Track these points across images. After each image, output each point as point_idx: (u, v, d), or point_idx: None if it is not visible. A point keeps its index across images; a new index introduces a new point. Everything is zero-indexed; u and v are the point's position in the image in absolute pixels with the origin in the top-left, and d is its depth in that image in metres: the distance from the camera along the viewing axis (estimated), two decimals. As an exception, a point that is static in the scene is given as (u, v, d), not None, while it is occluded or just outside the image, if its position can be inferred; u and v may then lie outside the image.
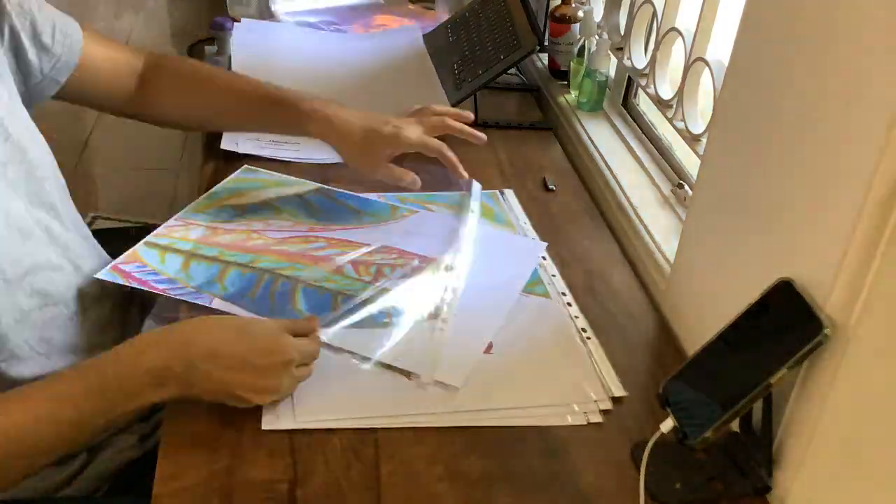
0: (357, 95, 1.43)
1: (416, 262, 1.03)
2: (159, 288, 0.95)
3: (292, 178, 1.20)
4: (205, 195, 1.14)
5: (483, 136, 1.16)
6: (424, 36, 1.59)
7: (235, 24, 1.52)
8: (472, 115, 1.17)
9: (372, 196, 1.17)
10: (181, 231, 1.05)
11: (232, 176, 1.18)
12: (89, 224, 1.07)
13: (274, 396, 0.80)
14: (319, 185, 1.19)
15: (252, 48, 1.49)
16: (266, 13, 1.73)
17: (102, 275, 0.95)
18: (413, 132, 1.10)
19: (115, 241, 1.09)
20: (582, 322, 0.99)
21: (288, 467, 0.77)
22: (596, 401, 0.87)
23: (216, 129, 1.24)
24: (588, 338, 0.96)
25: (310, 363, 0.84)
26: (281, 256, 1.02)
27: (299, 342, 0.82)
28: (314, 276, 0.99)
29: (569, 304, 1.02)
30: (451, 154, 1.10)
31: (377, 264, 1.03)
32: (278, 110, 1.10)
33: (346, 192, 1.17)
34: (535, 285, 1.04)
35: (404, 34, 1.63)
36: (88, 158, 2.48)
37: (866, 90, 0.66)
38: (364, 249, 1.05)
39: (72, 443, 0.78)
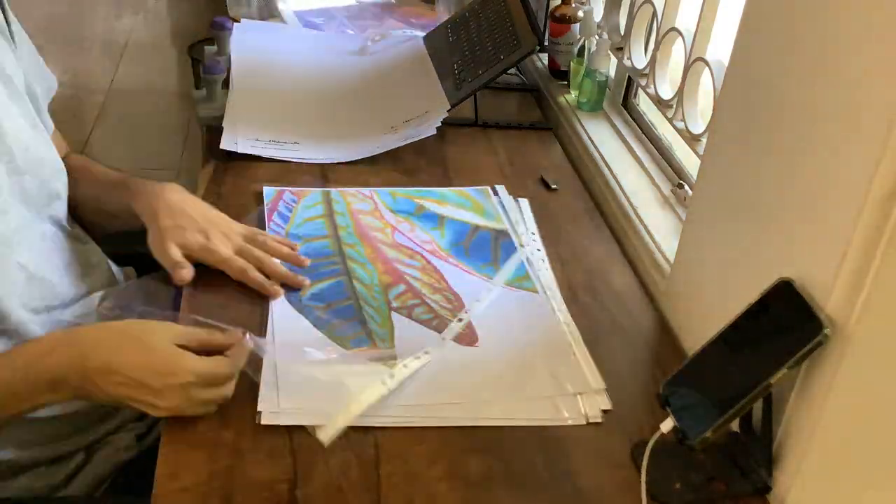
0: (356, 96, 1.44)
1: (451, 319, 0.97)
2: (273, 220, 1.08)
3: (506, 215, 1.17)
4: (414, 189, 1.19)
5: (276, 293, 0.97)
6: (424, 37, 1.59)
7: (235, 24, 1.52)
8: (306, 262, 1.02)
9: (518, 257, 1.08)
10: (357, 198, 1.15)
11: (467, 189, 1.22)
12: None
13: (172, 413, 0.78)
14: (503, 229, 1.13)
15: (251, 48, 1.49)
16: (266, 13, 1.73)
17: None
18: (223, 249, 0.97)
19: (114, 240, 1.09)
20: (566, 318, 0.99)
21: (288, 467, 0.77)
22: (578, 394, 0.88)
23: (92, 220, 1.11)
24: (571, 333, 0.96)
25: (220, 385, 0.79)
26: (370, 252, 1.06)
27: (198, 364, 0.77)
28: (362, 275, 1.01)
29: (553, 300, 1.02)
30: (255, 275, 0.95)
31: (424, 303, 0.99)
32: (117, 190, 1.03)
33: (512, 242, 1.11)
34: (522, 280, 1.05)
35: (404, 36, 1.63)
36: (91, 156, 2.47)
37: (866, 90, 0.66)
38: (438, 296, 1.00)
39: None
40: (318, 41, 1.62)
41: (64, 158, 1.03)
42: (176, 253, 0.94)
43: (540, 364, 0.92)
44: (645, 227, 1.13)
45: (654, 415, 0.84)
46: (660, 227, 1.13)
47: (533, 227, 1.16)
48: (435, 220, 1.14)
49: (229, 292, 0.97)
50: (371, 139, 1.32)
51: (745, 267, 0.84)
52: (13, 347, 0.81)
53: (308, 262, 1.02)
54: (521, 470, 0.80)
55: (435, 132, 1.29)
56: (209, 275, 1.00)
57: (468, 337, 0.94)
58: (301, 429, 0.81)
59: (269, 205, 1.13)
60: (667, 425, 0.77)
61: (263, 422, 0.80)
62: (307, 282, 0.98)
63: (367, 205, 1.15)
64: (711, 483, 0.78)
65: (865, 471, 0.73)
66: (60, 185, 0.98)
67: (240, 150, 1.24)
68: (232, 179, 1.20)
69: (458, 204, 1.19)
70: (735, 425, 0.79)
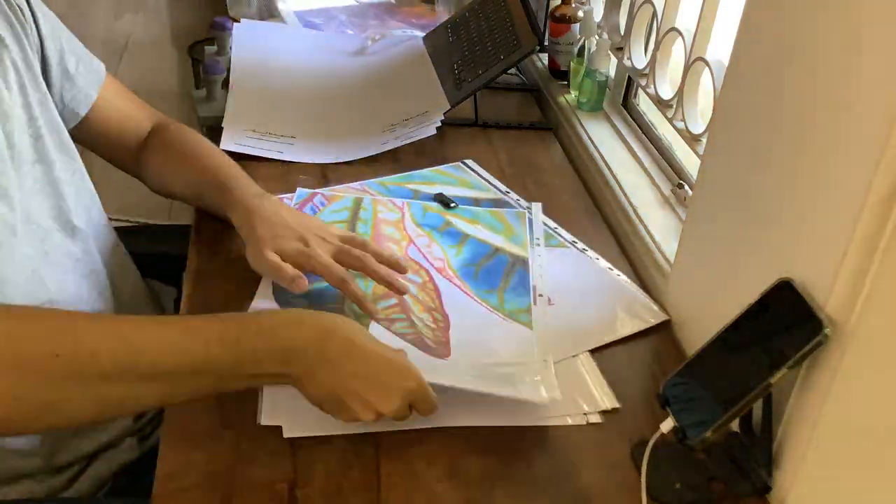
0: (356, 96, 1.44)
1: (433, 343, 0.94)
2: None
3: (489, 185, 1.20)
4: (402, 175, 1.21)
5: (406, 287, 0.98)
6: (424, 37, 1.59)
7: (235, 24, 1.52)
8: (406, 268, 1.01)
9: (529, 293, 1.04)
10: (385, 208, 1.15)
11: (443, 167, 1.25)
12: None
13: (377, 417, 0.77)
14: (524, 258, 1.10)
15: (251, 49, 1.49)
16: (266, 13, 1.73)
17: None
18: (323, 254, 0.94)
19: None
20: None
21: (288, 467, 0.77)
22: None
23: (195, 205, 1.13)
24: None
25: (419, 407, 0.79)
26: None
27: (422, 377, 0.78)
28: (359, 284, 0.97)
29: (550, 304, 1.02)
30: (355, 288, 0.93)
31: (409, 318, 0.97)
32: (215, 191, 1.04)
33: (526, 273, 1.07)
34: (520, 312, 1.00)
35: (404, 37, 1.63)
36: (89, 159, 2.47)
37: (866, 90, 0.66)
38: (426, 315, 0.98)
39: (181, 385, 0.74)
40: (317, 41, 1.62)
41: (156, 128, 1.08)
42: (274, 257, 0.91)
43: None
44: (645, 227, 1.13)
45: (654, 415, 0.84)
46: (660, 227, 1.13)
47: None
48: (457, 237, 1.12)
49: (229, 291, 0.97)
50: (370, 139, 1.32)
51: (745, 267, 0.84)
52: (265, 311, 0.78)
53: (409, 269, 1.00)
54: (521, 470, 0.80)
55: (434, 132, 1.29)
56: (208, 276, 1.00)
57: (441, 351, 0.93)
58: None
59: (297, 205, 1.14)
60: (667, 425, 0.77)
61: (263, 422, 0.81)
62: (409, 290, 0.98)
63: (394, 215, 1.15)
64: (711, 483, 0.78)
65: (865, 471, 0.73)
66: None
67: (239, 150, 1.24)
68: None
69: (489, 226, 1.16)
70: (735, 425, 0.79)
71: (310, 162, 1.26)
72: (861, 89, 0.67)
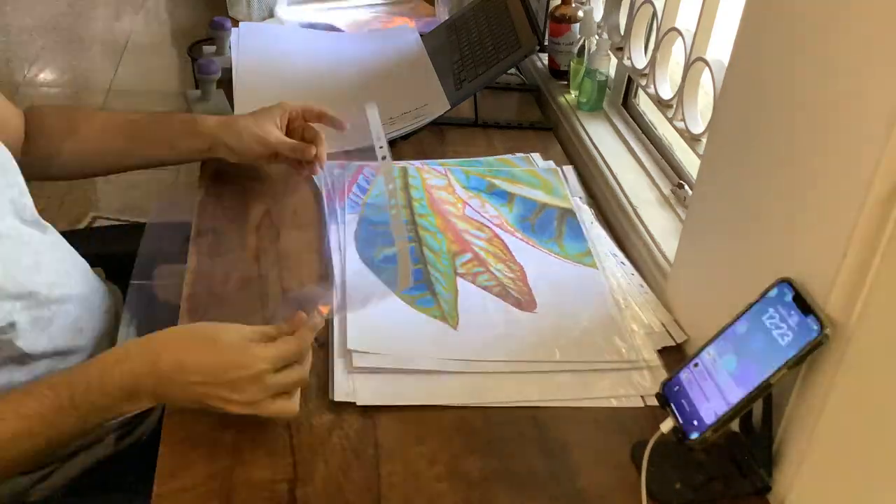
0: (355, 91, 1.44)
1: (517, 294, 1.02)
2: (352, 190, 1.16)
3: (573, 195, 1.23)
4: (485, 166, 1.26)
5: (344, 124, 1.18)
6: (424, 36, 1.59)
7: (234, 28, 1.52)
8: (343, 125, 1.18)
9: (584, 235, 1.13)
10: (432, 174, 1.22)
11: (538, 170, 1.28)
12: (89, 223, 1.07)
13: (249, 409, 0.77)
14: (580, 206, 1.20)
15: (252, 51, 1.49)
16: (265, 13, 1.73)
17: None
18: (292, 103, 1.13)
19: (114, 239, 1.09)
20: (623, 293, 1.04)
21: (288, 467, 0.77)
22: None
23: (111, 167, 1.15)
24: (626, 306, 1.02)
25: (294, 364, 0.79)
26: (441, 223, 1.12)
27: (267, 350, 0.77)
28: (432, 243, 1.08)
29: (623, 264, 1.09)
30: (331, 112, 1.13)
31: (488, 270, 1.05)
32: (171, 122, 1.06)
33: (590, 220, 1.17)
34: (583, 256, 1.09)
35: (401, 34, 1.63)
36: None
37: (866, 89, 0.66)
38: (501, 265, 1.06)
39: (50, 452, 0.78)
40: (317, 42, 1.62)
41: (32, 114, 1.04)
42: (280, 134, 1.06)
43: (597, 335, 0.96)
44: (645, 227, 1.13)
45: (654, 415, 0.84)
46: (660, 227, 1.13)
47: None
48: (505, 197, 1.20)
49: (229, 291, 0.97)
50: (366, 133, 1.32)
51: (745, 267, 0.84)
52: (90, 360, 0.79)
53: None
54: (521, 470, 0.80)
55: (427, 123, 1.30)
56: (209, 276, 1.00)
57: (528, 303, 1.00)
58: (301, 428, 0.81)
59: (350, 178, 1.20)
60: (667, 425, 0.77)
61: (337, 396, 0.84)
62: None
63: (441, 181, 1.21)
64: (711, 483, 0.78)
65: (865, 470, 0.73)
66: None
67: None
68: (233, 179, 1.20)
69: (528, 183, 1.24)
70: (735, 425, 0.79)
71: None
72: (861, 89, 0.67)
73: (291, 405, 0.78)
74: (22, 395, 0.77)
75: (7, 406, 0.76)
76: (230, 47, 1.49)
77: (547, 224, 1.14)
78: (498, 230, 1.12)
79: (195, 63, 1.40)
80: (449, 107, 1.33)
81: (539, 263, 1.07)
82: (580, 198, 1.24)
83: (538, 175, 1.25)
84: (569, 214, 1.17)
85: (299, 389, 0.80)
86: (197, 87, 1.43)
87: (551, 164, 1.31)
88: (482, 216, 1.15)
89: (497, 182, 1.23)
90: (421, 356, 0.90)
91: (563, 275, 1.06)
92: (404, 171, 1.23)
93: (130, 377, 0.76)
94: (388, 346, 0.90)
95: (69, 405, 0.75)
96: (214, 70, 1.38)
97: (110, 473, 0.96)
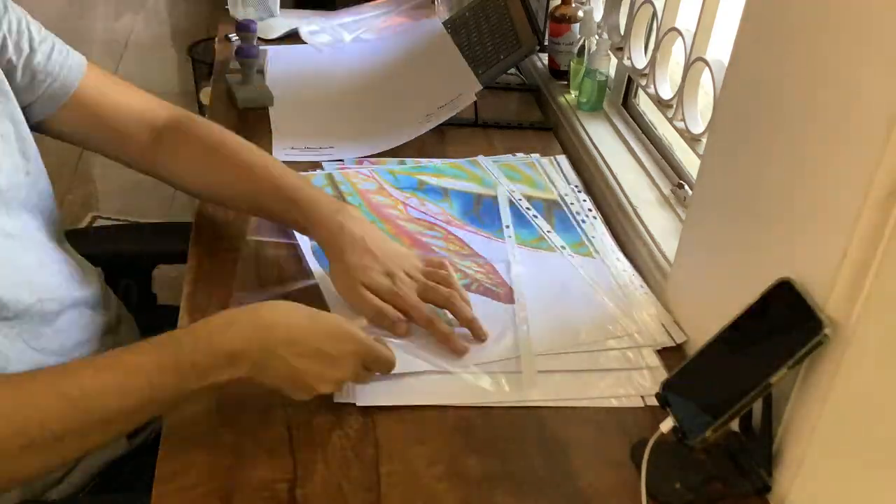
0: (387, 92, 1.45)
1: (494, 287, 1.02)
2: None
3: (505, 181, 1.24)
4: (413, 163, 1.23)
5: (462, 350, 0.93)
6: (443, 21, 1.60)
7: (263, 48, 1.54)
8: (487, 334, 0.95)
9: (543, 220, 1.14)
10: (360, 178, 1.18)
11: (460, 161, 1.29)
12: (89, 223, 1.07)
13: (338, 387, 0.81)
14: (512, 191, 1.21)
15: (284, 75, 1.52)
16: (265, 13, 1.74)
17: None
18: (411, 294, 0.94)
19: (114, 239, 1.09)
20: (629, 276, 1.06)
21: (288, 467, 0.77)
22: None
23: (227, 207, 1.11)
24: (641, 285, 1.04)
25: (374, 369, 0.83)
26: (392, 229, 1.09)
27: (367, 337, 0.82)
28: None
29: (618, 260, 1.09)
30: (442, 326, 0.92)
31: (458, 269, 1.03)
32: (290, 208, 1.00)
33: (526, 206, 1.18)
34: (578, 245, 1.10)
35: (423, 27, 1.63)
36: (88, 158, 2.48)
37: (866, 89, 0.66)
38: (468, 262, 1.05)
39: (136, 417, 0.75)
40: (344, 51, 1.65)
41: (177, 120, 1.03)
42: (371, 297, 0.92)
43: (596, 332, 0.96)
44: (645, 227, 1.13)
45: (654, 415, 0.84)
46: (660, 227, 1.13)
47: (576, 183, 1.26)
48: (439, 192, 1.18)
49: (229, 291, 0.97)
50: (407, 131, 1.34)
51: (745, 267, 0.84)
52: (194, 323, 0.78)
53: (486, 333, 0.94)
54: (521, 470, 0.80)
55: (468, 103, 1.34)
56: (209, 276, 1.00)
57: (506, 295, 1.00)
58: (301, 428, 0.81)
59: None
60: (667, 425, 0.77)
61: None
62: (490, 334, 0.94)
63: (371, 184, 1.19)
64: (711, 483, 0.78)
65: (865, 471, 0.73)
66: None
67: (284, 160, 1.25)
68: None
69: (454, 176, 1.24)
70: (735, 425, 0.79)
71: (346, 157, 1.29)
72: (861, 89, 0.67)
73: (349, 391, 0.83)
74: (123, 351, 0.76)
75: (109, 359, 0.75)
76: (258, 74, 1.49)
77: (491, 213, 1.13)
78: (448, 227, 1.10)
79: (198, 63, 1.41)
80: (481, 87, 1.35)
81: (502, 254, 1.07)
82: (576, 186, 1.25)
83: (461, 167, 1.25)
84: (555, 206, 1.18)
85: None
86: (197, 87, 1.43)
87: (535, 156, 1.32)
88: (427, 214, 1.12)
89: (425, 178, 1.20)
90: (421, 357, 0.90)
91: (549, 267, 1.06)
92: (331, 177, 1.18)
93: (240, 342, 0.75)
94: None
95: (172, 364, 0.74)
96: (254, 54, 1.39)
97: (125, 473, 0.96)
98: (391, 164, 1.26)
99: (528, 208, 1.18)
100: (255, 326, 0.77)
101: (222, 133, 1.05)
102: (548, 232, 1.13)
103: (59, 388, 0.72)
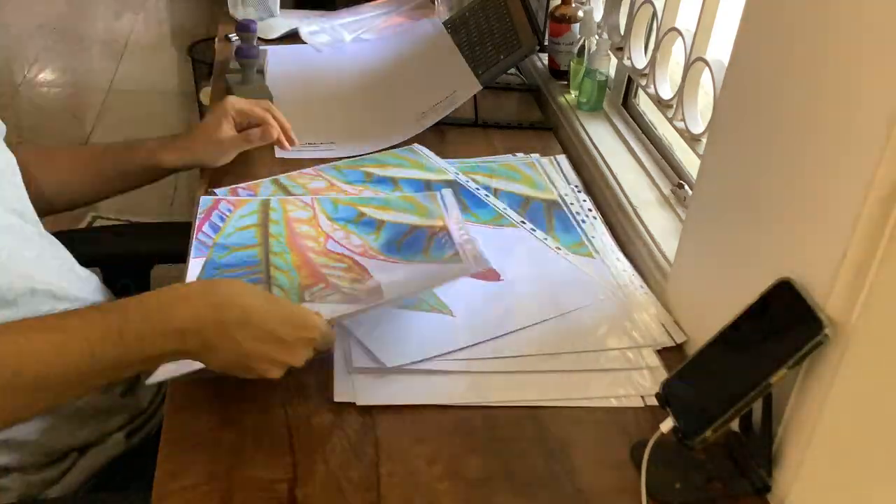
0: (384, 90, 1.46)
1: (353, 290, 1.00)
2: (202, 229, 1.06)
3: (447, 165, 1.25)
4: (359, 197, 1.18)
5: (287, 146, 1.19)
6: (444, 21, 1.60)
7: (263, 48, 1.54)
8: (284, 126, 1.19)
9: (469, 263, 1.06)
10: (296, 206, 1.14)
11: (396, 150, 1.30)
12: (89, 223, 1.08)
13: (283, 371, 0.77)
14: (457, 172, 1.24)
15: (283, 75, 1.52)
16: (265, 13, 1.74)
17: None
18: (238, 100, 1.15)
19: (114, 239, 1.09)
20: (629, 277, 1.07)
21: (288, 467, 0.77)
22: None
23: (84, 198, 1.15)
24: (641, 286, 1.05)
25: (322, 348, 0.81)
26: (296, 260, 1.04)
27: (323, 323, 0.79)
28: (283, 281, 0.99)
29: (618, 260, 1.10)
30: (280, 115, 1.13)
31: (339, 291, 1.00)
32: (130, 152, 1.11)
33: (475, 187, 1.21)
34: (578, 246, 1.11)
35: (423, 27, 1.63)
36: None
37: (866, 89, 0.66)
38: (354, 284, 1.01)
39: (72, 385, 0.73)
40: (344, 51, 1.65)
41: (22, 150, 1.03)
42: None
43: (596, 331, 0.97)
44: (645, 227, 1.13)
45: (654, 415, 0.84)
46: (660, 227, 1.13)
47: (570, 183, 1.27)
48: (373, 225, 1.12)
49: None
50: (405, 129, 1.34)
51: (745, 267, 0.84)
52: (145, 293, 0.75)
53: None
54: (521, 470, 0.80)
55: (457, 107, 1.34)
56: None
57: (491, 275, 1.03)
58: (301, 428, 0.81)
59: (203, 214, 1.10)
60: (667, 425, 0.77)
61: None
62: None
63: (306, 213, 1.13)
64: (711, 483, 0.78)
65: (865, 470, 0.73)
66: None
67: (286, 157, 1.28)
68: (233, 179, 1.20)
69: (397, 165, 1.26)
70: (735, 425, 0.79)
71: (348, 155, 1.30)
72: (861, 89, 0.67)
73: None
74: (70, 314, 0.74)
75: (51, 319, 0.74)
76: (258, 74, 1.49)
77: (415, 244, 1.08)
78: (360, 258, 1.05)
79: (198, 63, 1.41)
80: (480, 87, 1.35)
81: (396, 274, 1.02)
82: (576, 186, 1.25)
83: (414, 200, 1.17)
84: (555, 206, 1.19)
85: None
86: (197, 87, 1.43)
87: (535, 156, 1.33)
88: (345, 248, 1.07)
89: (367, 211, 1.15)
90: (422, 352, 0.90)
91: (511, 242, 1.09)
92: (266, 204, 1.14)
93: (192, 320, 0.73)
94: (387, 346, 0.90)
95: (116, 332, 0.72)
96: (254, 54, 1.39)
97: (122, 472, 0.97)
98: (341, 195, 1.20)
99: (477, 188, 1.20)
100: (208, 304, 0.74)
101: (51, 146, 1.13)
102: (504, 209, 1.17)
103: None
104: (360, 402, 0.84)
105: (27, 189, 0.97)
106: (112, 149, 1.13)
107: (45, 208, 1.03)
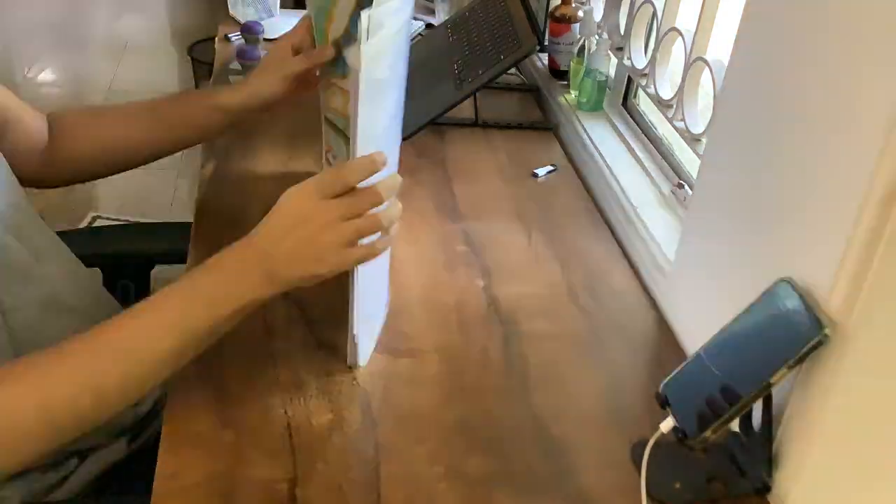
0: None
1: None
2: None
3: None
4: None
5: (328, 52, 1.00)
6: (423, 36, 1.59)
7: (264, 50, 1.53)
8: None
9: None
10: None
11: None
12: (89, 223, 1.08)
13: (344, 233, 0.75)
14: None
15: None
16: (265, 13, 1.74)
17: None
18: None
19: (114, 239, 1.09)
20: None
21: (288, 467, 0.77)
22: None
23: (140, 155, 1.11)
24: None
25: (363, 211, 0.76)
26: None
27: (332, 202, 0.76)
28: None
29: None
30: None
31: None
32: (186, 97, 1.08)
33: None
34: None
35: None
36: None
37: (866, 90, 0.66)
38: None
39: (190, 351, 0.76)
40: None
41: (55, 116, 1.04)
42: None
43: None
44: (645, 227, 1.13)
45: (654, 415, 0.84)
46: (660, 227, 1.13)
47: None
48: None
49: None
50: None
51: (745, 267, 0.84)
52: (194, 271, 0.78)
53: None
54: (521, 470, 0.80)
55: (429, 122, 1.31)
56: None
57: None
58: (301, 428, 0.81)
59: None
60: (667, 425, 0.77)
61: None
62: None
63: None
64: (711, 483, 0.78)
65: (865, 470, 0.73)
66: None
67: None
68: (233, 178, 1.20)
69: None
70: (735, 425, 0.79)
71: None
72: (861, 88, 0.67)
73: (373, 250, 0.78)
74: (144, 301, 0.77)
75: (137, 306, 0.76)
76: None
77: None
78: None
79: (198, 63, 1.41)
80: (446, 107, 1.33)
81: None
82: None
83: None
84: None
85: (395, 227, 0.80)
86: (197, 87, 1.43)
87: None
88: None
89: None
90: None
91: None
92: None
93: (238, 260, 0.77)
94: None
95: (191, 292, 0.76)
96: (257, 56, 1.39)
97: (124, 476, 0.96)
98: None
99: None
100: (241, 242, 0.78)
101: (91, 107, 1.08)
102: None
103: (104, 348, 0.75)
104: (361, 363, 0.88)
105: (67, 154, 1.02)
106: (163, 100, 1.08)
107: (84, 173, 1.08)
